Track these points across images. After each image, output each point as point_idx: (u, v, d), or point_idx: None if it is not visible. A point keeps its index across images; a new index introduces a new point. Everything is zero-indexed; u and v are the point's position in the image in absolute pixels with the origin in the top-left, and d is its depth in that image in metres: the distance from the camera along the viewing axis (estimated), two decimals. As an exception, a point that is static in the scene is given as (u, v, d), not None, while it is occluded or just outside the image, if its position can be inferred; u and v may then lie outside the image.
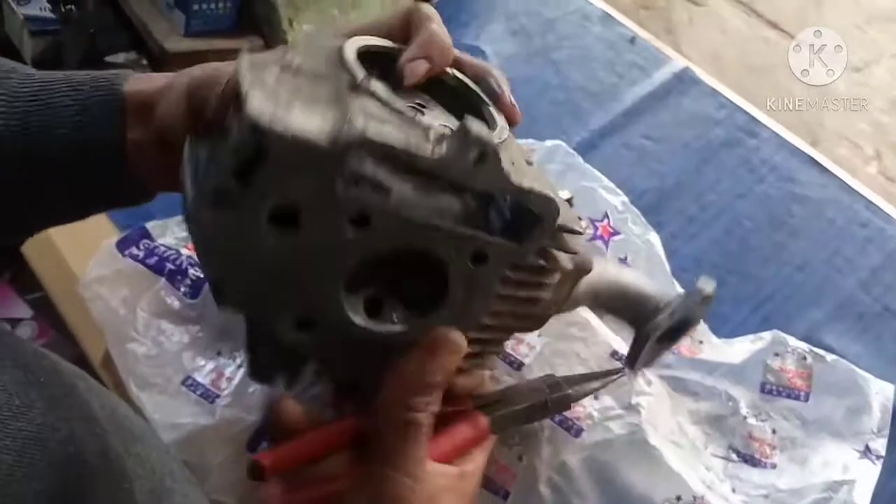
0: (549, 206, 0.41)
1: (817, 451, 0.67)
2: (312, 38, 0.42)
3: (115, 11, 1.45)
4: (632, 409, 0.61)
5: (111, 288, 0.69)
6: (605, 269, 0.56)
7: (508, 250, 0.41)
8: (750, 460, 0.67)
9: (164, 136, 0.43)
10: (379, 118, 0.35)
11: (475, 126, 0.36)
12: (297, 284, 0.37)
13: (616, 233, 0.76)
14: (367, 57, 0.40)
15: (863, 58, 2.32)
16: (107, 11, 1.45)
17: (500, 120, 0.43)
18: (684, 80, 0.94)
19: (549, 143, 0.80)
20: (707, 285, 0.53)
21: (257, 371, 0.44)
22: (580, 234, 0.46)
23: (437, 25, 0.43)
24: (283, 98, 0.32)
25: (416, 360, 0.42)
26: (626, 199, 0.76)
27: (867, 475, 0.64)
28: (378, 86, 0.37)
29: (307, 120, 0.31)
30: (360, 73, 0.37)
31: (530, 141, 0.79)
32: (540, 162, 0.81)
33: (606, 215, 0.77)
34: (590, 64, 0.95)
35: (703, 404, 0.69)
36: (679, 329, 0.55)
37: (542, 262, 0.45)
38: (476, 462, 0.47)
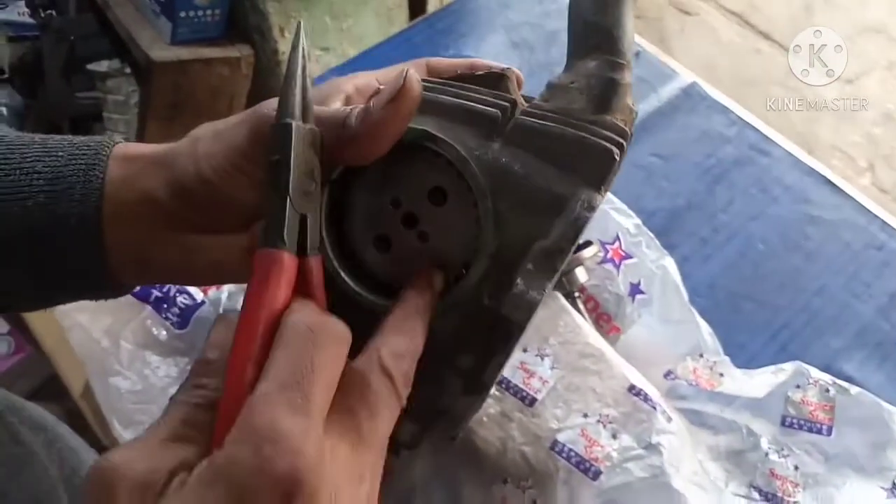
0: None
1: (841, 489, 0.64)
2: None
3: (98, 18, 1.40)
4: (653, 448, 0.58)
5: (93, 316, 0.65)
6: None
7: None
8: (773, 499, 0.63)
9: (192, 187, 0.36)
10: None
11: None
12: None
13: (628, 256, 0.73)
14: None
15: (854, 70, 2.31)
16: (88, 17, 1.40)
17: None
18: (692, 96, 0.91)
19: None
20: None
21: None
22: None
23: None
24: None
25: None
26: (638, 221, 0.72)
27: (896, 516, 0.61)
28: None
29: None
30: None
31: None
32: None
33: (618, 238, 0.73)
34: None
35: (722, 438, 0.66)
36: None
37: None
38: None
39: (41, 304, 0.41)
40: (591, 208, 0.33)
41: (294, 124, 0.31)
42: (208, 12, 1.30)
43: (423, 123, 0.35)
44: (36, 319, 0.78)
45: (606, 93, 0.36)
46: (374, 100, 0.33)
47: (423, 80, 0.36)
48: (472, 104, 0.36)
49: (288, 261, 0.29)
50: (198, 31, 1.30)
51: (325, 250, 0.35)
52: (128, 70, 1.37)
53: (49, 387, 0.99)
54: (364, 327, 0.34)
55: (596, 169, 0.34)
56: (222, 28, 1.34)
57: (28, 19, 1.45)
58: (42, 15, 1.42)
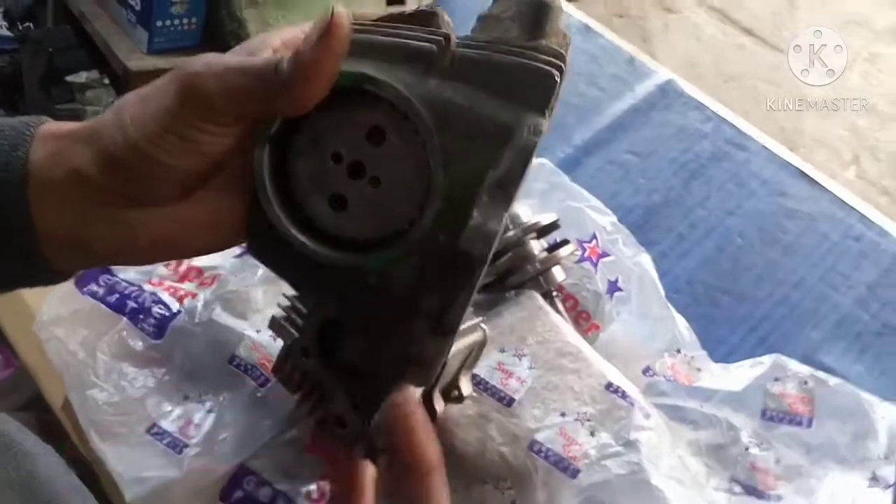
0: None
1: (823, 480, 0.64)
2: None
3: (75, 29, 1.40)
4: (631, 445, 0.58)
5: (69, 329, 0.65)
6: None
7: None
8: (754, 492, 0.63)
9: (122, 157, 0.34)
10: None
11: None
12: None
13: (605, 254, 0.73)
14: None
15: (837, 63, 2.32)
16: (66, 29, 1.40)
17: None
18: (668, 93, 0.92)
19: (532, 161, 0.76)
20: None
21: (256, 248, 0.38)
22: None
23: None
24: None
25: None
26: (614, 218, 0.73)
27: (877, 506, 0.61)
28: None
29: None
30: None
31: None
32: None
33: (595, 236, 0.73)
34: (572, 77, 0.92)
35: (703, 433, 0.66)
36: None
37: None
38: None
39: None
40: (538, 133, 0.34)
41: None
42: (185, 21, 1.30)
43: (358, 66, 0.34)
44: (15, 332, 0.77)
45: (539, 18, 0.36)
46: (302, 42, 0.32)
47: (353, 23, 0.35)
48: (406, 41, 0.35)
49: None
50: (175, 40, 1.30)
51: (275, 214, 0.35)
52: (106, 81, 1.37)
53: (37, 402, 0.98)
54: (323, 282, 0.36)
55: (538, 93, 0.34)
56: (199, 36, 1.33)
57: (6, 32, 1.45)
58: (20, 28, 1.42)
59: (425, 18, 0.37)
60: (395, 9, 0.40)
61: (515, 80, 0.34)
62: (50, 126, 0.36)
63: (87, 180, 0.34)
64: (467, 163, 0.34)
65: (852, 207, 0.82)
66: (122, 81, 1.27)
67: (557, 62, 0.34)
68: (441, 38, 0.35)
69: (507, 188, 0.34)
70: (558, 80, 0.34)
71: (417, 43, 0.35)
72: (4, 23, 1.43)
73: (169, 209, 0.35)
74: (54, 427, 0.73)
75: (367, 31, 0.36)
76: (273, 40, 0.36)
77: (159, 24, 1.27)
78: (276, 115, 0.34)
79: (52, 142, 0.35)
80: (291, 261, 0.36)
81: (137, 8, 1.28)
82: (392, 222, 0.35)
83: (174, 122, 0.33)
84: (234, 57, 0.34)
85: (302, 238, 0.36)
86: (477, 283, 0.35)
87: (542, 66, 0.34)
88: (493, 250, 0.34)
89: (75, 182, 0.34)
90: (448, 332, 0.36)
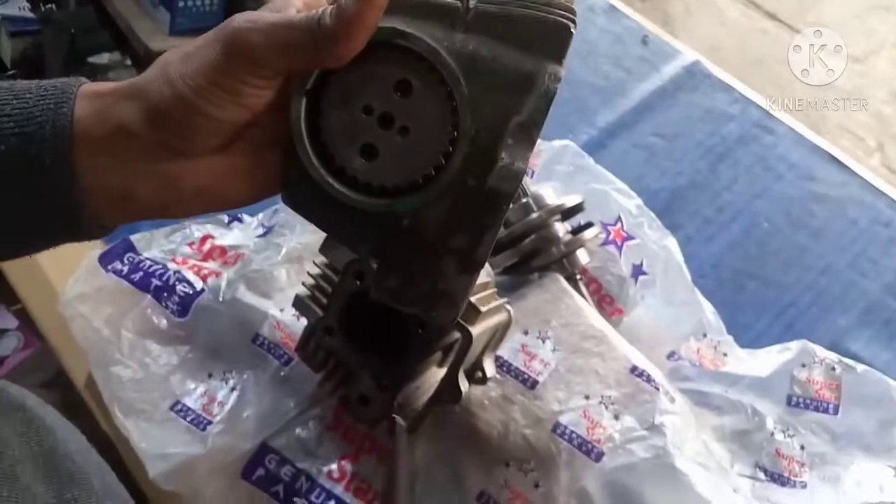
0: None
1: (849, 468, 0.63)
2: None
3: (97, 10, 1.40)
4: (655, 429, 0.57)
5: (94, 306, 0.65)
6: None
7: None
8: (778, 479, 0.63)
9: (168, 110, 0.35)
10: None
11: None
12: None
13: (630, 237, 0.72)
14: None
15: (864, 49, 2.28)
16: (88, 11, 1.39)
17: None
18: (695, 75, 0.90)
19: (557, 143, 0.76)
20: None
21: (290, 198, 0.40)
22: None
23: None
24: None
25: None
26: (640, 201, 0.72)
27: (905, 495, 0.61)
28: None
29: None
30: None
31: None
32: (547, 163, 0.77)
33: (620, 219, 0.72)
34: (595, 59, 0.91)
35: (727, 419, 0.65)
36: None
37: None
38: None
39: (21, 250, 0.40)
40: (558, 80, 0.37)
41: None
42: (207, 1, 1.29)
43: (387, 21, 0.36)
44: (38, 310, 0.78)
45: None
46: None
47: None
48: None
49: None
50: (197, 21, 1.29)
51: (312, 164, 0.37)
52: (129, 62, 1.37)
53: (59, 379, 0.99)
54: (357, 226, 0.38)
55: (556, 43, 0.37)
56: (221, 17, 1.32)
57: (28, 14, 1.45)
58: (42, 9, 1.42)
59: None
60: None
61: (534, 32, 0.37)
62: (91, 85, 0.37)
63: (133, 135, 0.35)
64: (492, 109, 0.37)
65: (882, 192, 0.81)
66: (144, 63, 1.27)
67: (571, 15, 0.37)
68: None
69: (531, 131, 0.37)
70: (573, 31, 0.37)
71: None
72: (27, 4, 1.44)
73: (209, 160, 0.37)
74: (77, 404, 0.73)
75: None
76: (295, 0, 0.37)
77: (181, 4, 1.27)
78: (316, 68, 0.36)
79: (95, 99, 0.36)
80: (326, 209, 0.39)
81: (159, -11, 1.28)
82: (420, 169, 0.37)
83: (221, 76, 0.34)
84: (275, 14, 0.35)
85: (339, 186, 0.37)
86: (502, 221, 0.38)
87: (558, 18, 0.37)
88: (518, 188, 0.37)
89: (121, 137, 0.35)
90: (475, 267, 0.38)
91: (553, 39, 0.37)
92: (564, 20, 0.37)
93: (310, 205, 0.40)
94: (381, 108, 0.37)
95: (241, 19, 0.34)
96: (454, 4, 0.37)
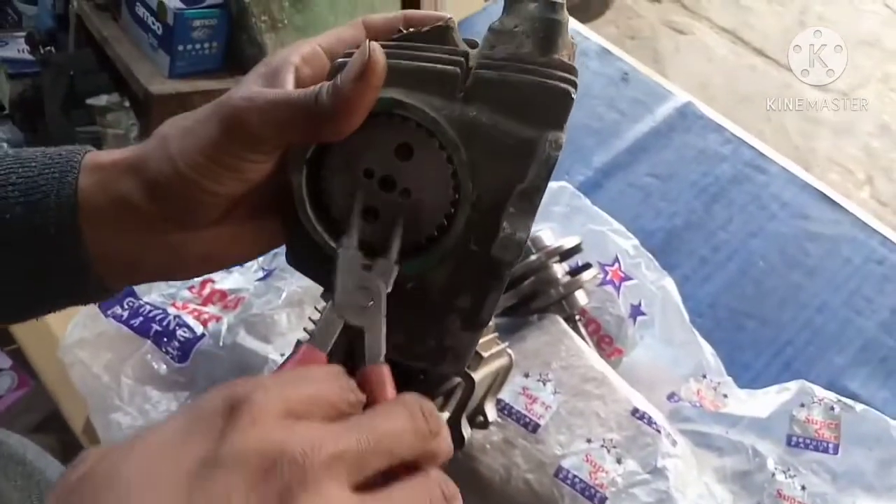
0: None
1: (851, 508, 0.63)
2: None
3: (97, 53, 1.41)
4: (658, 472, 0.57)
5: (93, 352, 0.65)
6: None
7: None
8: (781, 520, 0.63)
9: (169, 187, 0.35)
10: None
11: None
12: None
13: (628, 278, 0.72)
14: None
15: (850, 83, 2.32)
16: (87, 53, 1.41)
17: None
18: (687, 116, 0.92)
19: (554, 184, 0.77)
20: None
21: (292, 257, 0.41)
22: None
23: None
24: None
25: None
26: (636, 242, 0.72)
27: (907, 535, 0.61)
28: None
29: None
30: None
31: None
32: (545, 204, 0.77)
33: (617, 260, 0.73)
34: (589, 101, 0.92)
35: (728, 460, 0.65)
36: None
37: None
38: None
39: (28, 315, 0.40)
40: (559, 147, 0.36)
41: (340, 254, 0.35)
42: (206, 45, 1.31)
43: (386, 91, 0.36)
44: (37, 355, 0.77)
45: (551, 34, 0.38)
46: (341, 76, 0.33)
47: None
48: (429, 65, 0.37)
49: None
50: (196, 64, 1.31)
51: (318, 233, 0.37)
52: (127, 104, 1.38)
53: (51, 421, 0.98)
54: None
55: (557, 110, 0.36)
56: (220, 60, 1.35)
57: (28, 56, 1.46)
58: (42, 51, 1.44)
59: (440, 34, 0.39)
60: (410, 13, 0.42)
61: (534, 98, 0.36)
62: (94, 156, 0.37)
63: (135, 208, 0.36)
64: (494, 175, 0.36)
65: (874, 230, 0.82)
66: (144, 105, 1.28)
67: (571, 77, 0.37)
68: (461, 59, 0.37)
69: (532, 198, 0.36)
70: (573, 96, 0.36)
71: (441, 66, 0.37)
72: (27, 46, 1.45)
73: (211, 229, 0.37)
74: (73, 447, 0.73)
75: (391, 54, 0.37)
76: (293, 57, 0.38)
77: (181, 48, 1.28)
78: (314, 143, 0.36)
79: (98, 171, 0.36)
80: (330, 270, 0.38)
81: (159, 32, 1.30)
82: (423, 230, 0.38)
83: (220, 154, 0.34)
84: (273, 90, 0.35)
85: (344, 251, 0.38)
86: (505, 285, 0.38)
87: (558, 83, 0.36)
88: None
89: (123, 210, 0.36)
90: (480, 326, 0.39)
91: (553, 106, 0.36)
92: (564, 85, 0.36)
93: (313, 265, 0.40)
94: (381, 171, 0.37)
95: (238, 96, 0.35)
96: (453, 71, 0.37)
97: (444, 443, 0.30)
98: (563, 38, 0.38)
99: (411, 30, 0.39)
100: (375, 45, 0.34)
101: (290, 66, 0.37)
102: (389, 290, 0.36)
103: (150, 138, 0.37)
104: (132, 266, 0.38)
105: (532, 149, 0.36)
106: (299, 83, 0.37)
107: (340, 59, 0.37)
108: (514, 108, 0.36)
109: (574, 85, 0.37)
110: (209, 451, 0.24)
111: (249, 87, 0.35)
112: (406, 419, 0.28)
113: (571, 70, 0.37)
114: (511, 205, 0.36)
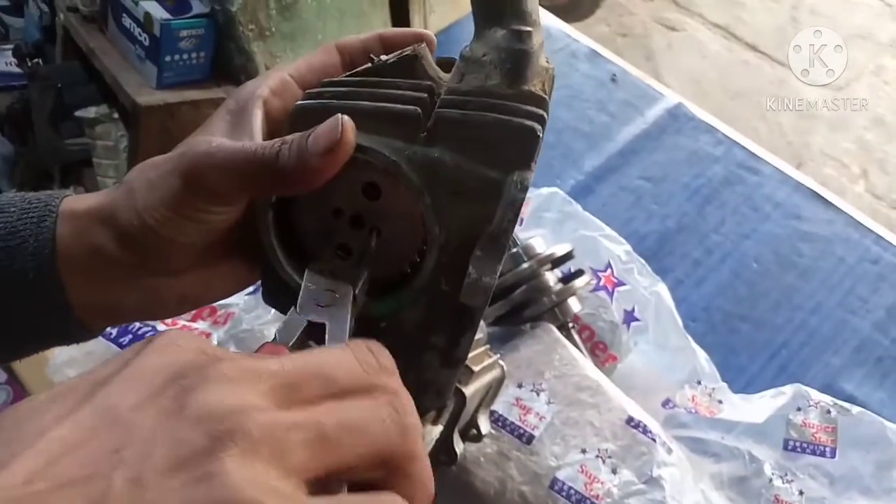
0: None
1: (849, 512, 0.63)
2: None
3: (84, 65, 1.41)
4: (654, 482, 0.57)
5: (83, 371, 0.64)
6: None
7: None
8: (779, 526, 0.62)
9: (139, 238, 0.35)
10: None
11: None
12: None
13: (621, 283, 0.72)
14: None
15: (844, 76, 2.32)
16: (75, 65, 1.41)
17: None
18: (678, 117, 0.91)
19: (545, 190, 0.76)
20: None
21: (268, 296, 0.40)
22: None
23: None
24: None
25: None
26: (629, 247, 0.72)
27: (907, 539, 0.60)
28: None
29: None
30: None
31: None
32: (536, 211, 0.77)
33: (610, 265, 0.73)
34: (580, 104, 0.92)
35: (725, 466, 0.65)
36: None
37: None
38: None
39: (12, 356, 0.40)
40: (525, 188, 0.35)
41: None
42: (193, 55, 1.30)
43: None
44: (27, 374, 0.77)
45: (518, 66, 0.36)
46: (310, 143, 0.32)
47: (337, 83, 0.36)
48: (391, 105, 0.36)
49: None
50: (183, 74, 1.30)
51: (287, 273, 0.37)
52: (116, 115, 1.37)
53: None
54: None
55: (523, 149, 0.35)
56: (208, 70, 1.34)
57: (15, 69, 1.46)
58: (29, 64, 1.43)
59: (408, 65, 0.38)
60: (386, 33, 0.41)
61: (499, 138, 0.35)
62: (70, 202, 0.37)
63: (109, 257, 0.36)
64: (460, 217, 0.35)
65: (868, 229, 0.81)
66: (132, 116, 1.28)
67: (539, 112, 0.35)
68: (425, 95, 0.36)
69: (499, 241, 0.35)
70: (541, 134, 0.35)
71: (402, 107, 0.36)
72: (14, 59, 1.45)
73: (187, 273, 0.37)
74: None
75: (352, 94, 0.37)
76: (261, 90, 0.37)
77: (168, 58, 1.28)
78: (278, 195, 0.36)
79: (72, 220, 0.36)
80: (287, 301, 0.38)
81: (146, 43, 1.29)
82: (394, 266, 0.37)
83: (183, 208, 0.34)
84: (232, 144, 0.34)
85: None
86: (478, 326, 0.37)
87: (524, 120, 0.35)
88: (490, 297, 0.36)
89: (98, 259, 0.36)
90: (457, 364, 0.38)
91: (519, 145, 0.35)
92: (530, 122, 0.35)
93: (289, 303, 0.38)
94: (350, 210, 0.37)
95: (196, 150, 0.34)
96: (414, 112, 0.35)
97: (398, 382, 0.27)
98: (531, 69, 0.36)
99: (382, 57, 0.38)
100: (349, 122, 0.33)
101: (258, 100, 0.37)
102: (356, 291, 0.35)
103: (120, 185, 0.37)
104: (112, 309, 0.38)
105: (497, 190, 0.34)
106: (269, 116, 0.37)
107: (303, 102, 0.36)
108: (478, 148, 0.35)
109: (542, 120, 0.35)
110: (108, 375, 0.22)
111: (212, 135, 0.35)
112: (346, 351, 0.26)
113: (541, 103, 0.36)
114: (478, 248, 0.34)
